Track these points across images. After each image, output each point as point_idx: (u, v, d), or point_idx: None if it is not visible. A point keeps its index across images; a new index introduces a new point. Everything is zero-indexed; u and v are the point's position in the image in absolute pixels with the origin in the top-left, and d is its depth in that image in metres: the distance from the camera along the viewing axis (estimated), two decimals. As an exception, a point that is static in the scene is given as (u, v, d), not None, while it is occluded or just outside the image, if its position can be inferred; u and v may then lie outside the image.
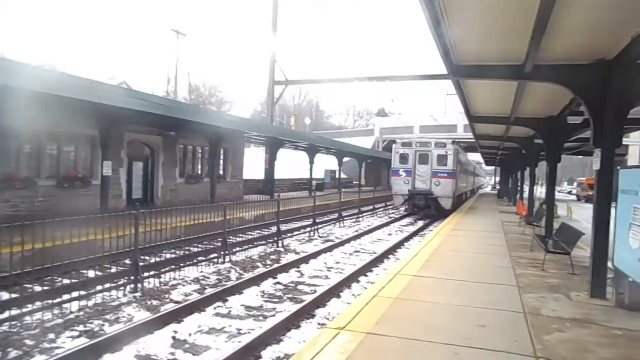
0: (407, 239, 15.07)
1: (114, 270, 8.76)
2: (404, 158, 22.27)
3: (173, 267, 8.95)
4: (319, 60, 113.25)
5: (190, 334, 5.91)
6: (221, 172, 22.02)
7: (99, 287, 7.19)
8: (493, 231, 13.83)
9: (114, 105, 11.56)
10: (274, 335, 5.83)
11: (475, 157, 49.64)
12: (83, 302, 6.71)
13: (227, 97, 66.79)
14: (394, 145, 23.15)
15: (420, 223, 20.16)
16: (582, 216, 21.13)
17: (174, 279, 8.60)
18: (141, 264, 7.92)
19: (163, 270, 8.63)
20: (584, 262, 8.51)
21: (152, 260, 9.14)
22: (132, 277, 7.69)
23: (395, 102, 63.42)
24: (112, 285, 7.47)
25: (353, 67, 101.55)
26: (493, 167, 65.71)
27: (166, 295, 7.55)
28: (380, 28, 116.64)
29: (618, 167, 6.15)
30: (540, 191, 26.16)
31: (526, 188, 23.99)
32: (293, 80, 33.29)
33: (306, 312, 6.85)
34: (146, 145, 17.73)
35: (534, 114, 11.93)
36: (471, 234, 12.86)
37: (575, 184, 60.12)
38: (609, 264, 6.54)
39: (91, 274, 7.79)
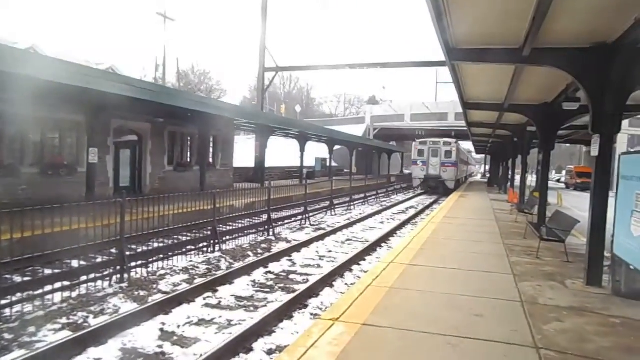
0: (400, 227, 14.97)
1: (99, 260, 8.49)
2: (420, 152, 31.17)
3: (161, 256, 8.72)
4: (310, 48, 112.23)
5: (178, 326, 5.72)
6: (211, 160, 21.68)
7: (83, 278, 6.94)
8: (485, 219, 13.79)
9: (100, 91, 11.15)
10: (265, 327, 5.66)
11: (466, 145, 49.76)
12: (67, 294, 6.47)
13: (217, 84, 65.71)
14: (413, 143, 32.83)
15: (412, 212, 20.15)
16: (572, 204, 21.20)
17: (162, 268, 8.38)
18: (128, 253, 7.70)
19: (151, 259, 8.41)
20: (577, 250, 8.48)
21: (140, 250, 8.89)
22: (118, 267, 7.46)
23: (386, 90, 63.45)
24: (98, 275, 7.20)
25: (344, 54, 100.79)
26: (482, 156, 66.11)
27: (154, 286, 7.34)
28: (372, 14, 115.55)
29: (619, 154, 6.01)
30: (530, 179, 26.35)
31: (517, 177, 24.11)
32: (284, 67, 32.84)
33: (299, 302, 6.70)
34: (134, 132, 17.32)
35: (528, 100, 11.81)
36: (464, 222, 12.79)
37: (564, 172, 60.54)
38: (605, 252, 6.47)
39: (75, 264, 7.53)
